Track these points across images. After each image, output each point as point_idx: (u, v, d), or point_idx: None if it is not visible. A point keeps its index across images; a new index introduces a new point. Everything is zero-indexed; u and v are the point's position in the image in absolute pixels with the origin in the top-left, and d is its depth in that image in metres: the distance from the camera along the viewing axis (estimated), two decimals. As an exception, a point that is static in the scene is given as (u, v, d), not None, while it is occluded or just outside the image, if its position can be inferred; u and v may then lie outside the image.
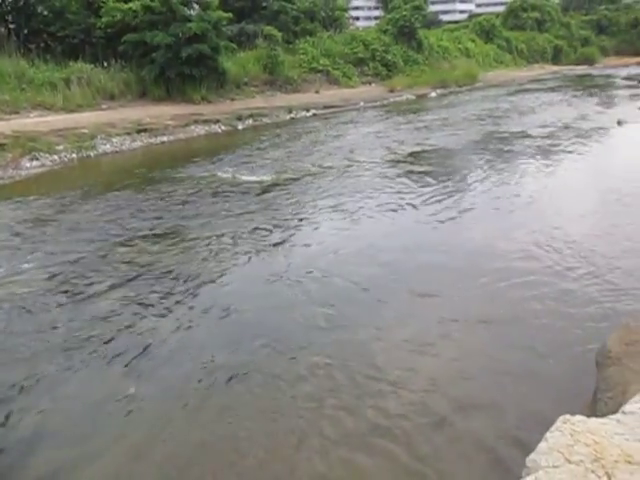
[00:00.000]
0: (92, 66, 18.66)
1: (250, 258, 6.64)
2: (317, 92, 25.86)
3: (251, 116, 20.19)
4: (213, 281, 5.99)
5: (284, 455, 3.33)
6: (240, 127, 19.14)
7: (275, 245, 7.08)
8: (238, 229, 7.69)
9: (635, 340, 2.83)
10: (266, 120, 20.36)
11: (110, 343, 4.69)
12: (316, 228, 7.75)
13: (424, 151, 13.10)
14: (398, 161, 12.07)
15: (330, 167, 11.65)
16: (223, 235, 7.46)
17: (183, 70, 19.38)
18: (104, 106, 17.69)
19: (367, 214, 8.21)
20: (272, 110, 21.39)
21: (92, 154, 14.10)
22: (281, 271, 6.16)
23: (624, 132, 14.62)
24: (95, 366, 4.36)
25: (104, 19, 19.38)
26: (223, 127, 18.69)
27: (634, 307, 4.56)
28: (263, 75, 24.46)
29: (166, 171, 11.84)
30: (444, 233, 7.25)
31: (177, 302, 5.46)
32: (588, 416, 2.14)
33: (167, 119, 17.56)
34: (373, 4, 64.73)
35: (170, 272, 6.23)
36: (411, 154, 12.77)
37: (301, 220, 8.12)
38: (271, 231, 7.63)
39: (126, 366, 4.35)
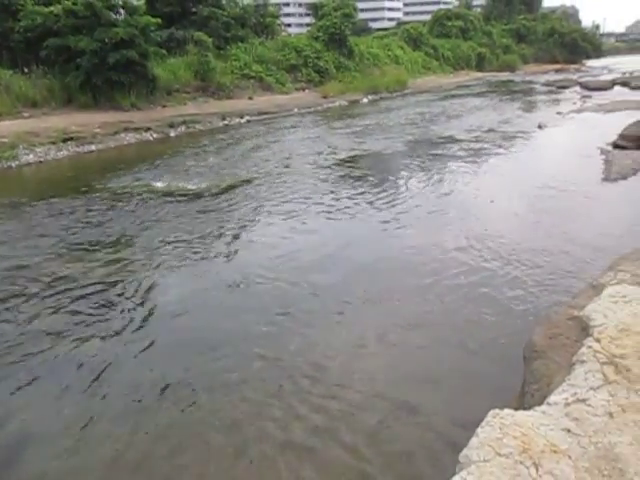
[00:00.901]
0: (11, 72, 17.78)
1: (188, 267, 6.56)
2: (251, 98, 25.76)
3: (184, 123, 19.85)
4: (148, 291, 5.87)
5: (224, 463, 3.33)
6: (173, 134, 18.78)
7: (214, 253, 7.02)
8: (175, 239, 7.57)
9: (558, 333, 3.04)
10: (199, 127, 20.08)
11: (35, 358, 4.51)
12: (254, 235, 7.74)
13: (359, 156, 13.35)
14: (334, 166, 12.24)
15: (267, 173, 11.66)
16: (159, 246, 7.32)
17: (110, 76, 18.78)
18: (26, 114, 16.87)
19: (305, 219, 8.29)
20: (205, 117, 21.12)
21: (13, 165, 13.43)
22: (219, 279, 6.14)
23: (544, 135, 15.48)
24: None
25: (23, 22, 18.48)
26: (155, 135, 18.27)
27: (557, 300, 4.84)
28: (195, 81, 24.12)
29: (96, 181, 11.45)
30: (380, 236, 7.42)
31: (109, 315, 5.32)
32: (516, 409, 2.29)
33: (95, 127, 16.97)
34: (304, 11, 65.24)
35: (99, 284, 6.05)
36: (346, 159, 12.99)
37: (239, 228, 8.10)
38: (209, 240, 7.56)
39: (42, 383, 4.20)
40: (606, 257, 4.98)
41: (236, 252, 7.11)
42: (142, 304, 5.60)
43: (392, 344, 4.60)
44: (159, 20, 20.90)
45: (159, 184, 11.06)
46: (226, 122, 21.43)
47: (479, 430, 2.05)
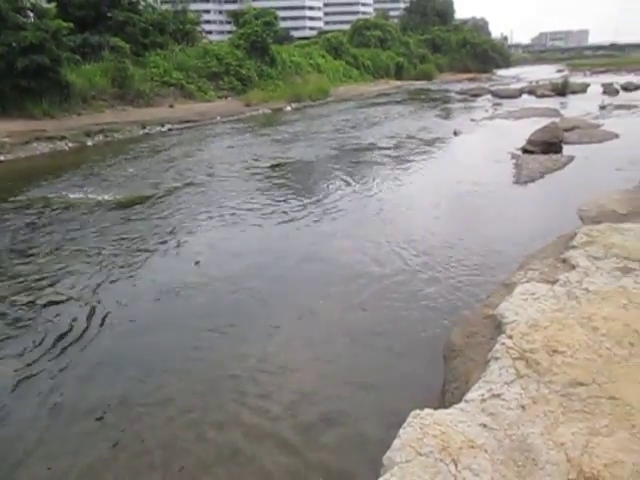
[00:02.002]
0: None
1: (107, 281, 6.30)
2: (172, 106, 25.24)
3: (101, 132, 19.12)
4: (63, 309, 5.59)
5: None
6: (90, 143, 18.05)
7: (134, 267, 6.79)
8: (93, 253, 7.26)
9: (474, 332, 3.18)
10: (118, 136, 19.42)
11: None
12: (175, 246, 7.56)
13: (283, 164, 13.38)
14: (259, 174, 12.19)
15: (190, 183, 11.44)
16: (76, 261, 6.99)
17: (19, 82, 17.83)
18: None
19: (229, 229, 8.21)
20: (124, 125, 20.45)
21: None
22: (141, 292, 5.96)
23: (459, 141, 16.19)
24: None
25: None
26: (70, 144, 17.48)
27: (474, 300, 5.06)
28: (112, 89, 23.32)
29: (4, 193, 10.78)
30: (304, 243, 7.45)
31: (23, 334, 5.01)
32: (437, 408, 2.37)
33: (3, 136, 16.00)
34: (225, 18, 64.77)
35: (8, 302, 5.70)
36: (271, 167, 12.99)
37: (160, 239, 7.87)
38: (128, 253, 7.31)
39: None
40: (518, 256, 5.26)
41: (158, 264, 6.92)
42: (58, 322, 5.31)
43: (319, 351, 4.62)
44: (71, 25, 20.06)
45: (76, 195, 10.58)
46: (146, 131, 20.86)
47: (401, 431, 2.10)
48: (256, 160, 13.98)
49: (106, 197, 10.35)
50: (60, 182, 11.91)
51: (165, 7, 33.82)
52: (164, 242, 7.74)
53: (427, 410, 2.23)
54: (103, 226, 8.48)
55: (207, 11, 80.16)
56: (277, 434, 3.58)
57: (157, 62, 27.40)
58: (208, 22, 73.96)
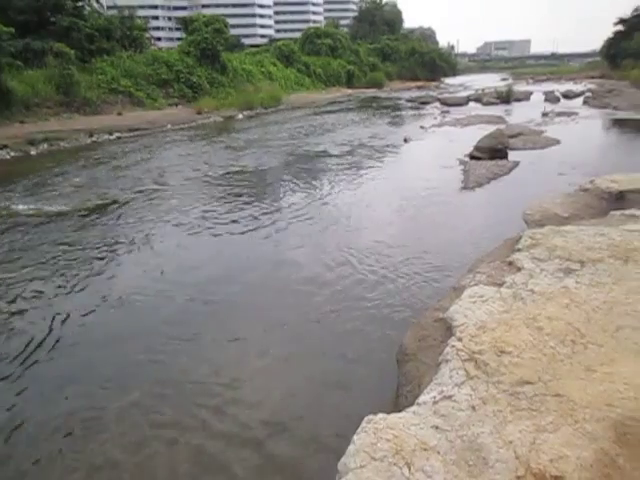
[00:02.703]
0: None
1: (56, 294, 6.09)
2: (120, 114, 24.72)
3: (46, 140, 18.51)
4: (10, 323, 5.37)
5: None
6: (34, 153, 17.43)
7: (82, 278, 6.58)
8: (40, 264, 7.01)
9: (426, 335, 3.24)
10: (64, 144, 18.85)
11: None
12: (124, 258, 7.38)
13: (237, 172, 13.29)
14: (212, 183, 12.07)
15: (140, 192, 11.21)
16: (21, 273, 6.72)
17: (-45, 89, 17.09)
18: None
19: (179, 238, 8.08)
20: (70, 133, 19.87)
21: None
22: (89, 305, 5.78)
23: (410, 148, 16.49)
24: None
25: None
26: (13, 153, 16.85)
27: (426, 304, 5.15)
28: (57, 96, 22.66)
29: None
30: (259, 251, 7.41)
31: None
32: (391, 412, 2.40)
33: (-61, 146, 15.29)
34: (174, 25, 64.01)
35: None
36: (224, 175, 12.87)
37: (109, 250, 7.67)
38: (77, 264, 7.08)
39: None
40: (468, 260, 5.39)
41: (109, 274, 6.73)
42: (7, 336, 5.09)
43: (274, 359, 4.60)
44: (12, 29, 19.39)
45: (21, 206, 10.19)
46: (94, 139, 20.34)
47: (355, 437, 2.12)
48: (209, 168, 13.83)
49: (53, 208, 10.01)
50: (3, 193, 11.44)
51: (111, 13, 33.18)
52: (115, 252, 7.55)
53: (380, 415, 2.25)
54: (52, 238, 8.20)
55: (156, 17, 78.99)
56: (231, 445, 3.54)
57: (104, 69, 26.81)
58: (157, 28, 73.00)
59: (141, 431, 3.75)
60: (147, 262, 7.14)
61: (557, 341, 2.77)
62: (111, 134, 21.18)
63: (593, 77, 52.31)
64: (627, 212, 5.36)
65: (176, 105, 29.51)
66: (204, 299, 5.89)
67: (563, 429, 2.15)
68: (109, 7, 37.72)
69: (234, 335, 5.06)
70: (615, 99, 26.89)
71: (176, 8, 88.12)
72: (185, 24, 36.58)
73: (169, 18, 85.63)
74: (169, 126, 24.45)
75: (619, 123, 20.30)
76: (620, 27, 49.98)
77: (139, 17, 34.77)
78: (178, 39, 50.19)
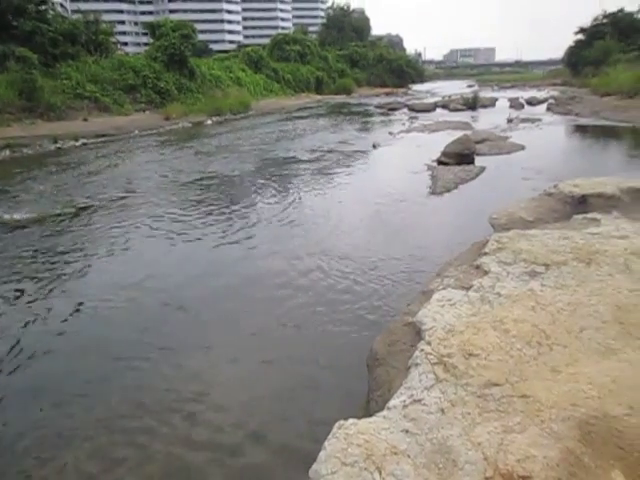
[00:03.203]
0: None
1: (25, 301, 5.93)
2: (86, 120, 24.29)
3: (8, 147, 18.07)
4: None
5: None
6: (-5, 159, 16.98)
7: (46, 289, 6.43)
8: (8, 273, 6.82)
9: (395, 340, 3.26)
10: (27, 151, 18.42)
11: None
12: (95, 265, 7.25)
13: (206, 178, 13.18)
14: (180, 189, 11.94)
15: (107, 199, 11.02)
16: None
17: None
18: None
19: (149, 245, 7.97)
20: (34, 140, 19.44)
21: None
22: (56, 317, 5.64)
23: (379, 153, 16.63)
24: None
25: None
26: (-28, 160, 16.38)
27: (395, 309, 5.19)
28: (19, 101, 22.14)
29: None
30: (230, 258, 7.36)
31: None
32: (362, 417, 2.40)
33: None
34: (141, 30, 63.33)
35: None
36: (193, 181, 12.75)
37: (75, 259, 7.51)
38: (40, 274, 6.91)
39: None
40: (436, 264, 5.46)
41: (76, 284, 6.59)
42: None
43: (245, 366, 4.57)
44: (-28, 34, 18.89)
45: (-20, 215, 9.90)
46: (58, 145, 19.92)
47: (326, 443, 2.12)
48: (178, 174, 13.70)
49: (17, 216, 9.75)
50: (-38, 201, 11.10)
51: (76, 17, 32.62)
52: (82, 261, 7.40)
53: (351, 420, 2.26)
54: (16, 246, 7.99)
55: (122, 22, 78.09)
56: (201, 453, 3.50)
57: (69, 74, 26.32)
58: (123, 33, 72.23)
59: (112, 438, 3.67)
60: (115, 270, 7.02)
61: (523, 343, 2.83)
62: (77, 140, 20.79)
63: (556, 84, 53.70)
64: (589, 216, 5.51)
65: (144, 111, 29.15)
66: (174, 306, 5.81)
67: (530, 429, 2.19)
68: (73, 11, 37.14)
69: (204, 342, 5.01)
70: (577, 106, 27.67)
71: (143, 13, 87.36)
72: (152, 29, 36.19)
73: (135, 23, 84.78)
74: (136, 132, 24.13)
75: (581, 129, 20.89)
76: (580, 36, 51.55)
77: (105, 22, 34.23)
78: (145, 44, 49.65)
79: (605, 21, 49.16)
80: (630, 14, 45.80)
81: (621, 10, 48.49)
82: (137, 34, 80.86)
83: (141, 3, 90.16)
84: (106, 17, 39.73)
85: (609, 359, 2.71)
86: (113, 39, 34.72)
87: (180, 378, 4.42)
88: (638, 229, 4.74)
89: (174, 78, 32.63)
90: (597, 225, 5.06)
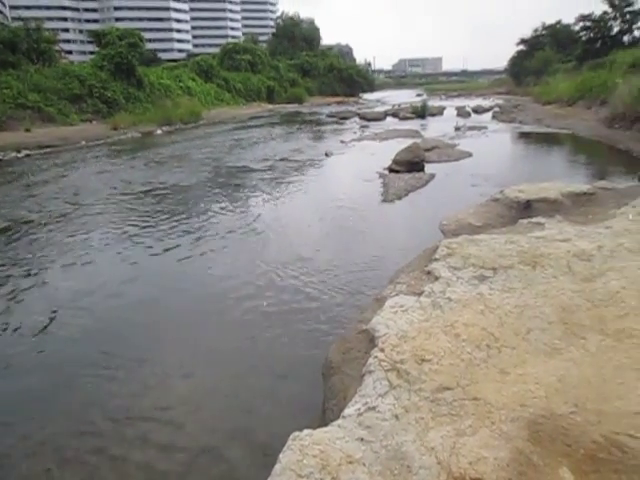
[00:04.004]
0: None
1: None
2: (28, 130, 23.46)
3: (-57, 159, 17.24)
4: None
5: None
6: None
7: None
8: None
9: (350, 348, 3.28)
10: (-35, 163, 17.61)
11: None
12: (39, 283, 6.97)
13: (156, 189, 12.93)
14: (130, 201, 11.66)
15: (52, 212, 10.65)
16: None
17: None
18: None
19: (99, 260, 7.73)
20: (-29, 152, 18.62)
21: None
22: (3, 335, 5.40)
23: (331, 162, 16.74)
24: None
25: None
26: None
27: (349, 317, 5.21)
28: (-44, 111, 21.18)
29: None
30: (184, 270, 7.23)
31: None
32: (317, 427, 2.39)
33: None
34: (86, 38, 61.78)
35: None
36: (143, 193, 12.49)
37: (22, 274, 7.21)
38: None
39: None
40: (390, 271, 5.52)
41: (19, 301, 6.31)
42: None
43: (199, 380, 4.48)
44: None
45: None
46: (-1, 157, 19.14)
47: (281, 456, 2.10)
48: (127, 186, 13.39)
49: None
50: None
51: (17, 24, 31.55)
52: (26, 278, 7.10)
53: (306, 431, 2.25)
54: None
55: (66, 30, 76.13)
56: (155, 472, 3.40)
57: (9, 82, 25.40)
58: (67, 41, 70.37)
59: (55, 459, 3.53)
60: (60, 285, 6.77)
61: (473, 346, 2.89)
62: (19, 152, 20.01)
63: (500, 93, 55.57)
64: (533, 220, 5.71)
65: (90, 121, 28.41)
66: (124, 321, 5.66)
67: (481, 431, 2.24)
68: (14, 19, 35.92)
69: (156, 357, 4.89)
70: (520, 114, 28.70)
71: (87, 21, 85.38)
72: (98, 37, 35.38)
73: (80, 31, 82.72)
74: (83, 142, 23.48)
75: (524, 136, 21.66)
76: (522, 47, 53.66)
77: (47, 29, 33.24)
78: (91, 53, 48.43)
79: (544, 32, 51.41)
80: (567, 26, 48.00)
81: (559, 22, 50.85)
82: (82, 42, 78.85)
83: (86, 11, 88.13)
84: (49, 25, 38.65)
85: (555, 359, 2.80)
86: (57, 47, 33.75)
87: (131, 394, 4.29)
88: (579, 232, 4.94)
89: (122, 87, 31.97)
90: (541, 229, 5.25)
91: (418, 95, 64.68)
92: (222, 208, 10.72)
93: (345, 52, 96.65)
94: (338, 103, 55.38)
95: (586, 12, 39.03)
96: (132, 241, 8.58)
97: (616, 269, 3.90)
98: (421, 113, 31.86)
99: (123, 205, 11.30)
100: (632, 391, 2.48)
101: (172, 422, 3.92)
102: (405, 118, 31.00)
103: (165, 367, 4.74)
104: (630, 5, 36.26)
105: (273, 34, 78.21)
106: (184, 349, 5.05)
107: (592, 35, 38.88)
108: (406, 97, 57.62)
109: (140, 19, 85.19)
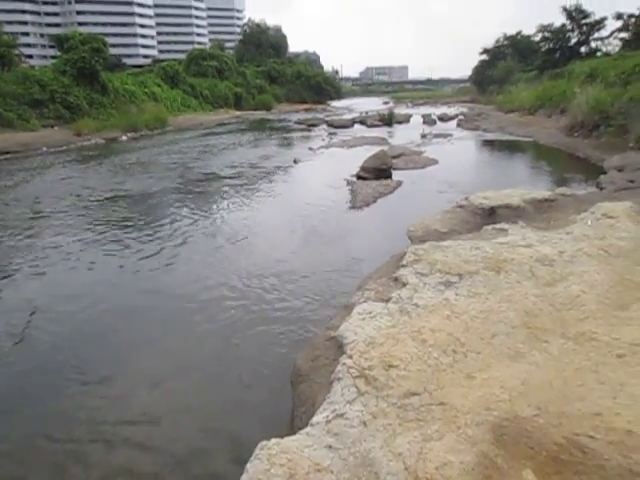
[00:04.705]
0: None
1: None
2: (-14, 136, 22.76)
3: None
4: None
5: None
6: None
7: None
8: None
9: (318, 355, 3.28)
10: None
11: None
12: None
13: (120, 196, 12.71)
14: (93, 209, 11.43)
15: (11, 221, 10.34)
16: None
17: None
18: None
19: (58, 271, 7.54)
20: None
21: None
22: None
23: (299, 169, 16.77)
24: None
25: None
26: None
27: (319, 324, 5.22)
28: None
29: None
30: (146, 280, 7.12)
31: None
32: (286, 435, 2.38)
33: None
34: (47, 42, 60.49)
35: None
36: (107, 200, 12.26)
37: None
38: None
39: None
40: (358, 277, 5.56)
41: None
42: None
43: (166, 390, 4.41)
44: None
45: None
46: (-45, 164, 18.53)
47: (248, 465, 2.08)
48: (91, 193, 13.11)
49: None
50: None
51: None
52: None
53: (274, 440, 2.24)
54: None
55: (26, 34, 74.41)
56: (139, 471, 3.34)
57: (-33, 87, 24.63)
58: (28, 45, 68.78)
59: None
60: (20, 296, 6.57)
61: (440, 351, 2.93)
62: (-24, 158, 19.44)
63: (465, 101, 56.64)
64: (497, 226, 5.84)
65: (52, 126, 27.73)
66: (89, 331, 5.53)
67: (447, 436, 2.27)
68: (-29, 22, 34.78)
69: (122, 367, 4.79)
70: (484, 122, 29.31)
71: (49, 25, 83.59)
72: (60, 42, 34.58)
73: (41, 35, 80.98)
74: (45, 149, 22.94)
75: (488, 143, 22.12)
76: (485, 56, 54.88)
77: (6, 33, 32.39)
78: (53, 57, 47.36)
79: (506, 43, 52.70)
80: (527, 37, 49.30)
81: (519, 33, 52.20)
82: (43, 46, 77.21)
83: (47, 15, 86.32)
84: (8, 28, 37.75)
85: (518, 362, 2.86)
86: (16, 51, 32.91)
87: (94, 407, 4.19)
88: (541, 237, 5.07)
89: (85, 93, 31.33)
90: (505, 235, 5.36)
91: (385, 103, 65.40)
92: (189, 215, 10.60)
93: (313, 59, 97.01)
94: (306, 110, 55.51)
95: (546, 23, 40.27)
96: (96, 249, 8.41)
97: (576, 273, 4.02)
98: (388, 121, 32.20)
99: (86, 212, 11.07)
100: (592, 393, 2.56)
101: (136, 436, 3.84)
102: (372, 125, 31.29)
103: (129, 378, 4.65)
104: (586, 17, 37.54)
105: (240, 41, 77.97)
106: (149, 360, 4.96)
107: (551, 46, 40.11)
108: (373, 105, 58.20)
109: (104, 24, 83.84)
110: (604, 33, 37.26)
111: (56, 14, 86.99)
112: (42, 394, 4.43)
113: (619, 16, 33.39)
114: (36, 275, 7.37)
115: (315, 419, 2.43)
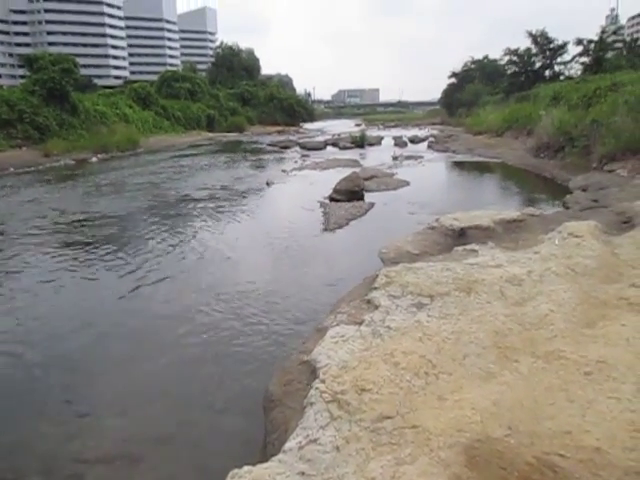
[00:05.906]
0: None
1: None
2: (-49, 157, 22.25)
3: None
4: None
5: None
6: None
7: None
8: None
9: (291, 380, 3.25)
10: None
11: None
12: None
13: (90, 219, 12.49)
14: (62, 232, 11.20)
15: (-24, 244, 10.07)
16: None
17: None
18: None
19: (24, 295, 7.36)
20: None
21: None
22: None
23: (272, 191, 16.79)
24: None
25: None
26: None
27: (291, 348, 5.19)
28: None
29: None
30: (116, 305, 6.98)
31: None
32: (258, 463, 2.35)
33: None
34: (16, 62, 59.78)
35: None
36: (76, 222, 12.04)
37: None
38: None
39: None
40: (331, 300, 5.55)
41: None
42: None
43: (134, 416, 4.31)
44: None
45: None
46: None
47: (219, 496, 2.04)
48: (59, 215, 12.86)
49: None
50: None
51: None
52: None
53: (246, 467, 2.20)
54: None
55: (-6, 53, 73.57)
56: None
57: None
58: (-5, 65, 67.94)
59: None
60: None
61: (412, 374, 2.94)
62: (-60, 179, 18.94)
63: (435, 124, 57.77)
64: (468, 247, 5.93)
65: (20, 147, 27.28)
66: (55, 357, 5.38)
67: (420, 459, 2.26)
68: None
69: (88, 395, 4.67)
70: (454, 144, 29.89)
71: (18, 45, 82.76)
72: (29, 62, 34.23)
73: (10, 54, 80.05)
74: (12, 169, 22.52)
75: (458, 165, 22.54)
76: (453, 80, 56.29)
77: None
78: (22, 77, 46.80)
79: (473, 66, 54.20)
80: (494, 60, 50.80)
81: (486, 57, 53.83)
82: (12, 66, 76.29)
83: (16, 34, 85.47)
84: (-24, 48, 37.19)
85: (490, 383, 2.89)
86: (-16, 72, 32.49)
87: (61, 437, 4.06)
88: (510, 258, 5.16)
89: (54, 113, 30.97)
90: (475, 255, 5.45)
91: (357, 125, 66.21)
92: (160, 238, 10.48)
93: (285, 82, 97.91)
94: (279, 132, 55.76)
95: (512, 46, 41.59)
96: (62, 273, 8.22)
97: (545, 293, 4.10)
98: (360, 143, 32.56)
99: (53, 235, 10.84)
100: (562, 411, 2.59)
101: (102, 464, 3.73)
102: (345, 148, 31.58)
103: (97, 406, 4.53)
104: (550, 42, 38.95)
105: (212, 63, 78.38)
106: (118, 385, 4.85)
107: (517, 69, 41.43)
108: (345, 127, 58.85)
109: (75, 44, 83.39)
110: (566, 57, 38.77)
111: (26, 34, 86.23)
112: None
113: (579, 41, 34.83)
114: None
115: (288, 445, 2.40)
